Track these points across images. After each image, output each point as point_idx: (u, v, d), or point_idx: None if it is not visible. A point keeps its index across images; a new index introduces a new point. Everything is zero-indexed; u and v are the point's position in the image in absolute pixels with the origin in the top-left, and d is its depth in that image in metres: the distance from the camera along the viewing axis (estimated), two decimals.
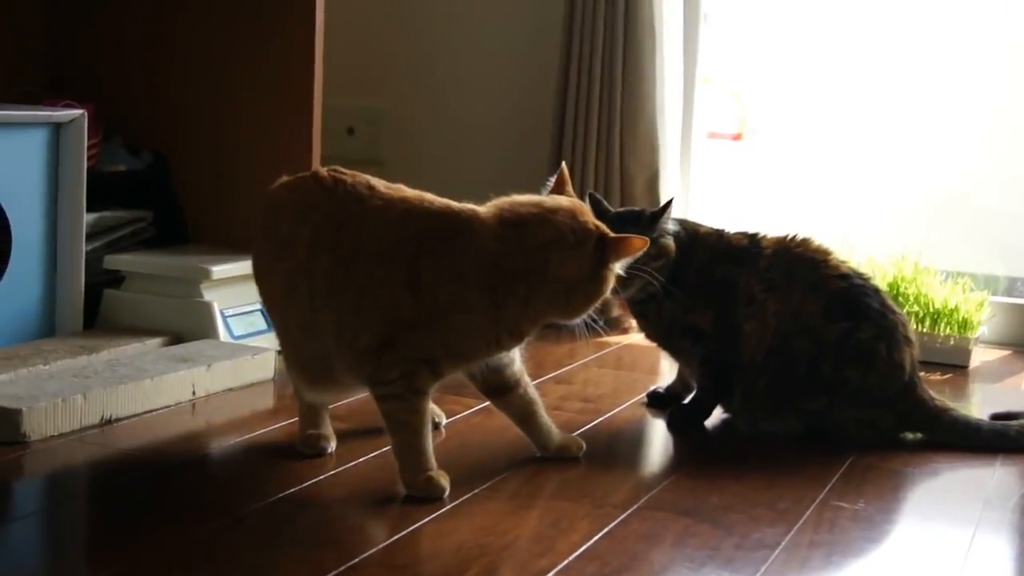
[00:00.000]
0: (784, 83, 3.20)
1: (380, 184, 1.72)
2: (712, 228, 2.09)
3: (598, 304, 1.66)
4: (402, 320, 1.60)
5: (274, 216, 1.72)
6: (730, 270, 2.01)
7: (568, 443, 1.83)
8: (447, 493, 1.61)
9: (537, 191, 2.90)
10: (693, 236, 2.05)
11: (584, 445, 1.83)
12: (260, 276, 1.76)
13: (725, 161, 3.21)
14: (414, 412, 1.62)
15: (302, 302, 1.66)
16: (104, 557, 1.46)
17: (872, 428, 1.97)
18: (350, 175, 1.72)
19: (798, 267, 2.00)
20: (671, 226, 2.01)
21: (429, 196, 1.71)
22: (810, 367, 1.94)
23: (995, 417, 2.04)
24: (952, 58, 2.99)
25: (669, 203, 2.00)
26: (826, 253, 2.03)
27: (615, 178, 2.87)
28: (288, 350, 1.74)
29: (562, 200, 1.68)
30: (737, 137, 3.32)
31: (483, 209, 1.66)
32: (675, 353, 2.09)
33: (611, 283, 1.65)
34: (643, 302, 2.03)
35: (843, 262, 2.04)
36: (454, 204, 1.68)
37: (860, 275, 2.03)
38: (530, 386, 1.78)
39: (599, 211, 1.95)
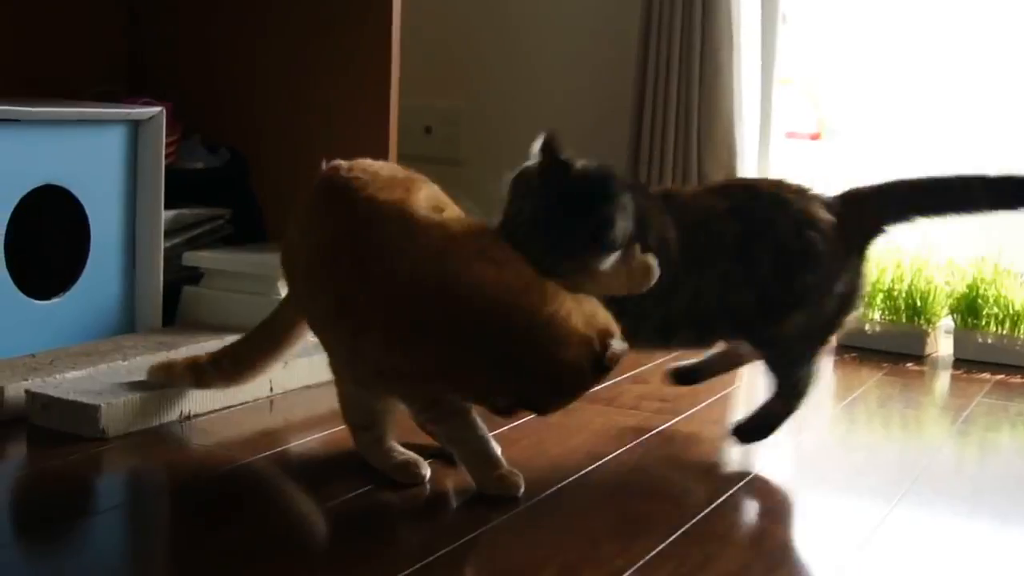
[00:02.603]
0: (863, 83, 3.14)
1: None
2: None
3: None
4: None
5: None
6: None
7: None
8: (521, 491, 1.60)
9: None
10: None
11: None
12: None
13: (803, 161, 3.16)
14: (463, 428, 1.60)
15: None
16: (183, 552, 1.46)
17: None
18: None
19: None
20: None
21: None
22: None
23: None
24: None
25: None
26: None
27: (692, 179, 2.84)
28: None
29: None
30: (815, 137, 3.27)
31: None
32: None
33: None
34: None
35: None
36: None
37: None
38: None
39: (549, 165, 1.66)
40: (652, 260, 1.58)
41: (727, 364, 2.03)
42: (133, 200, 2.26)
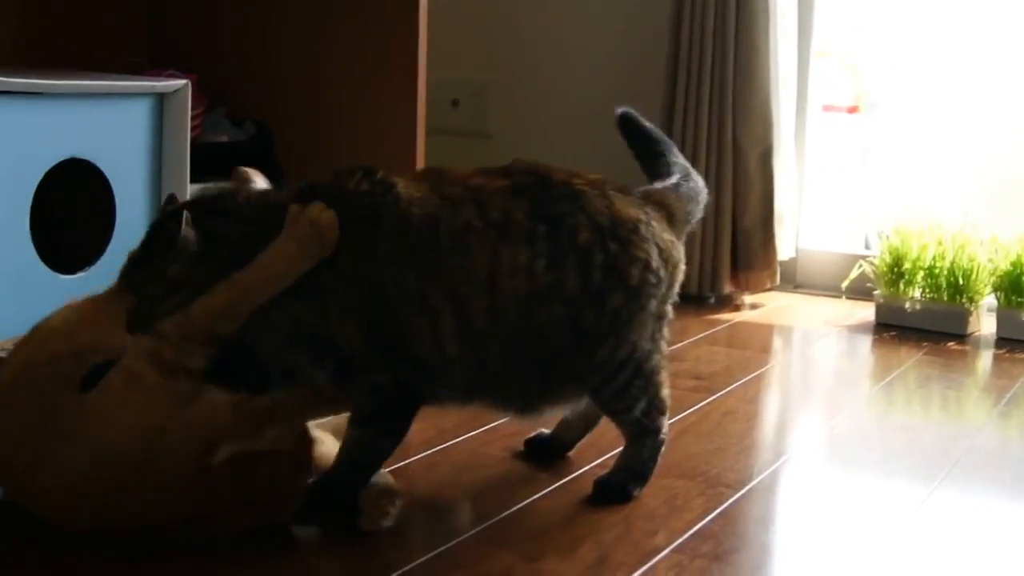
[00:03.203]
0: (902, 55, 3.13)
1: None
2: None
3: None
4: None
5: None
6: None
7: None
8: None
9: None
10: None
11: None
12: None
13: (841, 135, 3.16)
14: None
15: None
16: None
17: None
18: None
19: None
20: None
21: None
22: None
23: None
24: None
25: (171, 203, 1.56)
26: None
27: (727, 153, 2.84)
28: None
29: None
30: (853, 110, 3.26)
31: None
32: None
33: None
34: None
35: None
36: None
37: None
38: None
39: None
40: (320, 210, 1.39)
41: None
42: (158, 174, 2.28)
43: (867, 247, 3.02)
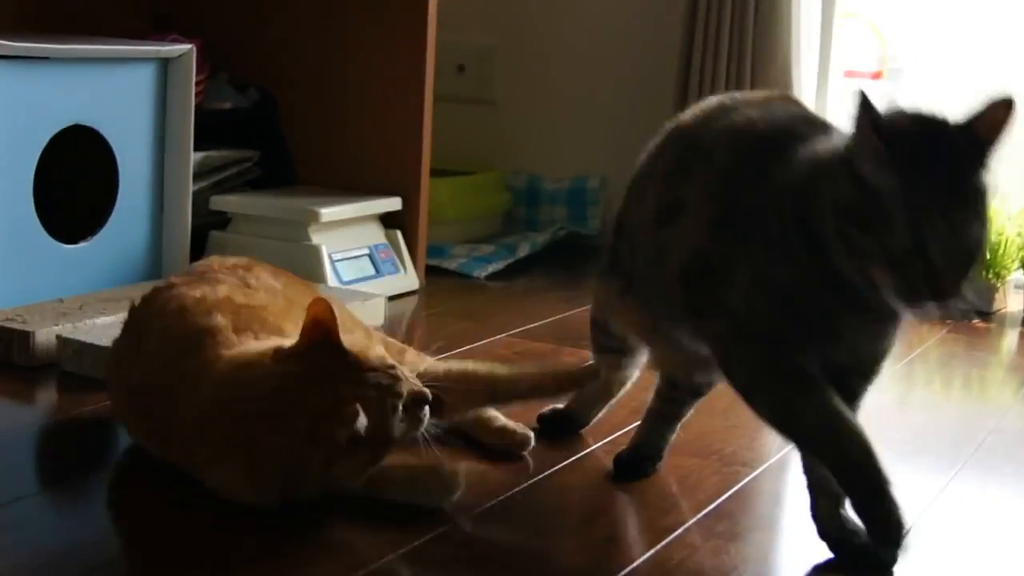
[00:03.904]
0: (930, 18, 3.13)
1: None
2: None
3: None
4: None
5: None
6: None
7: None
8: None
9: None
10: None
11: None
12: None
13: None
14: None
15: None
16: (212, 501, 1.52)
17: None
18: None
19: None
20: None
21: None
22: None
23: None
24: None
25: None
26: None
27: None
28: None
29: None
30: (877, 76, 3.26)
31: None
32: None
33: None
34: None
35: None
36: None
37: None
38: None
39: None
40: None
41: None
42: (162, 141, 2.30)
43: None
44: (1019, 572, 1.42)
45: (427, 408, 1.37)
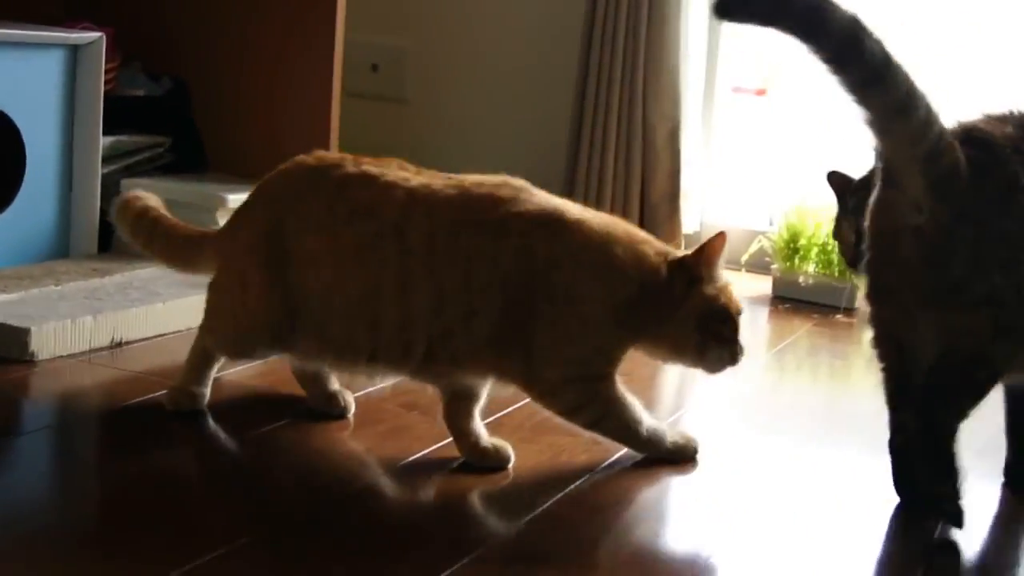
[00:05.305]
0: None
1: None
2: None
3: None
4: None
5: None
6: None
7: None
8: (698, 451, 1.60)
9: (559, 134, 2.90)
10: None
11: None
12: None
13: (749, 116, 3.16)
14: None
15: None
16: (107, 476, 1.46)
17: None
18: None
19: None
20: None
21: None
22: None
23: None
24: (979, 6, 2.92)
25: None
26: None
27: (637, 127, 2.84)
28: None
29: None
30: (761, 92, 3.27)
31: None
32: None
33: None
34: None
35: None
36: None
37: None
38: None
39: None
40: None
41: None
42: (71, 125, 2.22)
43: (771, 224, 3.05)
44: (864, 513, 1.50)
45: None
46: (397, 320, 1.46)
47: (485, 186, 1.53)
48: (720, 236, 1.49)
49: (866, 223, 1.48)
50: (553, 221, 1.48)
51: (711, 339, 1.51)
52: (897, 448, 1.49)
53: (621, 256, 1.48)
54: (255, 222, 1.57)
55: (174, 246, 1.68)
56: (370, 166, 1.56)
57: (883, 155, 1.44)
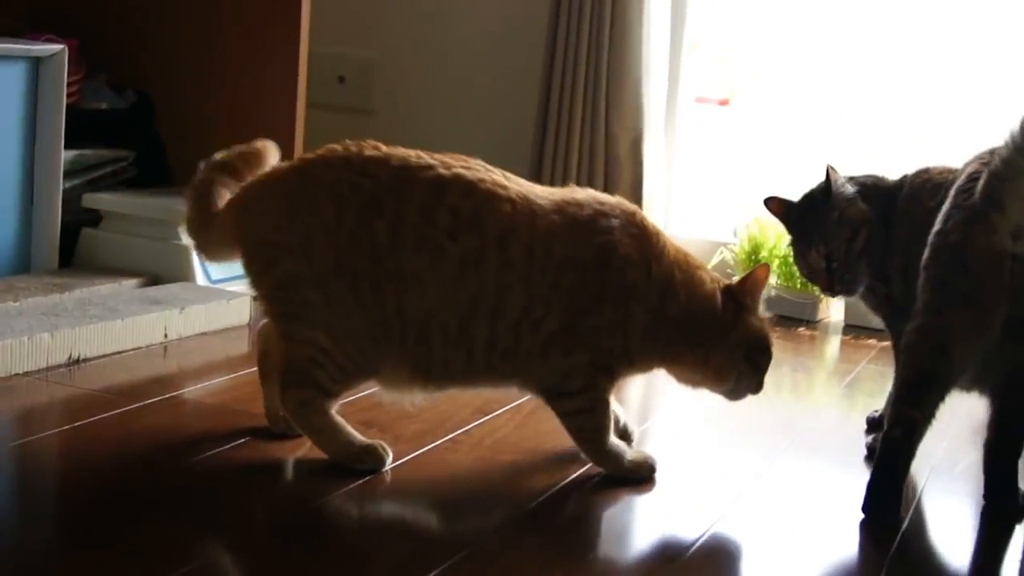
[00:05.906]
0: (773, 49, 3.12)
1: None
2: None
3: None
4: None
5: None
6: None
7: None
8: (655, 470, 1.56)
9: (523, 145, 2.87)
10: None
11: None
12: None
13: (712, 126, 3.13)
14: None
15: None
16: (61, 497, 1.40)
17: None
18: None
19: None
20: (848, 189, 1.69)
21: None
22: None
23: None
24: (940, 21, 2.90)
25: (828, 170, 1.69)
26: None
27: (600, 138, 2.81)
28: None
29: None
30: (724, 103, 3.25)
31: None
32: None
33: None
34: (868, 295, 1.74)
35: None
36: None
37: None
38: None
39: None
40: None
41: None
42: (32, 138, 2.16)
43: (735, 235, 3.01)
44: (829, 525, 1.47)
45: None
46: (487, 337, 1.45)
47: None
48: (764, 267, 1.53)
49: (938, 232, 1.46)
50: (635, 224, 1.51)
51: (751, 368, 1.53)
52: (893, 438, 1.43)
53: (678, 277, 1.50)
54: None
55: None
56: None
57: (994, 172, 1.42)
